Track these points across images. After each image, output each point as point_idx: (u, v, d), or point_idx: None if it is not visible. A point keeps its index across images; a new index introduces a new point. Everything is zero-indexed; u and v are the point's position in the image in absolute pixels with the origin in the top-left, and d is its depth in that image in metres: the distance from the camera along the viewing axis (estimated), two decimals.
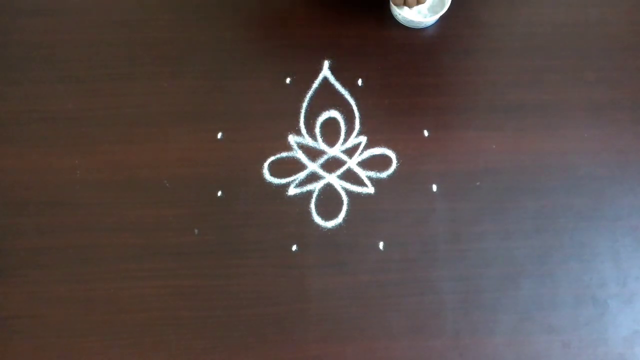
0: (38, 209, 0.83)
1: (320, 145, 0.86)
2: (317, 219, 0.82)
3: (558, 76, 0.90)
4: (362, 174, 0.85)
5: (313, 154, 0.86)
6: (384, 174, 0.85)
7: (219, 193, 0.83)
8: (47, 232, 0.82)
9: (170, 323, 0.78)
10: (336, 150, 0.86)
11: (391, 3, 0.88)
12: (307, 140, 0.86)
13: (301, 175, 0.85)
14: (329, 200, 0.83)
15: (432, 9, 0.92)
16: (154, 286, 0.79)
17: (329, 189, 0.84)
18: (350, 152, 0.86)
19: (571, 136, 0.86)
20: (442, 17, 0.89)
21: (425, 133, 0.87)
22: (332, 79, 0.89)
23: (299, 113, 0.88)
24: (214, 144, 0.86)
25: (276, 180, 0.84)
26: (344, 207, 0.83)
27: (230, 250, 0.81)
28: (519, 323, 0.78)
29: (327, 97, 0.88)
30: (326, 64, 0.90)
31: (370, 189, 0.84)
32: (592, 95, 0.89)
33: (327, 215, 0.83)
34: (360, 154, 0.86)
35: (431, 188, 0.84)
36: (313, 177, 0.85)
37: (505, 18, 0.93)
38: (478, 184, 0.84)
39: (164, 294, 0.79)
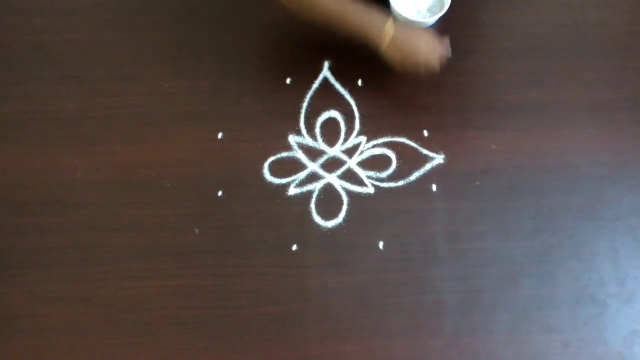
0: (38, 209, 0.83)
1: (320, 145, 0.86)
2: (317, 219, 0.82)
3: (558, 76, 0.90)
4: (362, 174, 0.85)
5: (313, 154, 0.86)
6: (384, 174, 0.85)
7: (219, 193, 0.84)
8: (47, 232, 0.82)
9: (171, 323, 0.78)
10: (336, 150, 0.86)
11: (391, 3, 0.88)
12: (307, 140, 0.87)
13: (301, 175, 0.85)
14: (329, 200, 0.83)
15: (432, 9, 0.92)
16: (155, 286, 0.79)
17: (329, 189, 0.84)
18: (350, 152, 0.86)
19: (570, 136, 0.87)
20: (441, 18, 0.89)
21: (425, 133, 0.87)
22: (332, 79, 0.89)
23: (299, 113, 0.88)
24: (214, 144, 0.86)
25: (276, 180, 0.84)
26: (344, 207, 0.83)
27: (230, 250, 0.81)
28: (519, 322, 0.78)
29: (327, 97, 0.88)
30: (326, 64, 0.90)
31: (370, 189, 0.84)
32: (591, 95, 0.89)
33: (327, 215, 0.83)
34: (360, 154, 0.86)
35: (431, 188, 0.84)
36: (313, 177, 0.85)
37: (505, 18, 0.93)
38: (478, 183, 0.84)
39: (165, 294, 0.79)
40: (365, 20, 0.79)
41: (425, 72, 0.81)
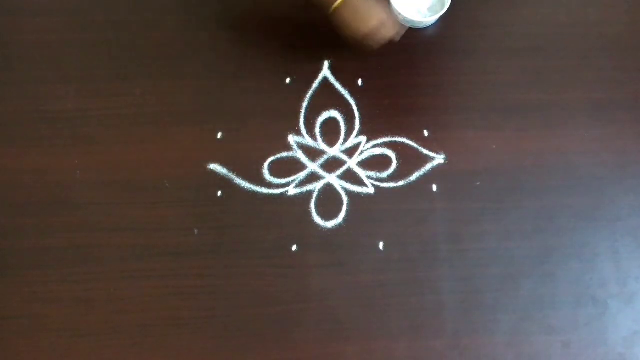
0: (38, 209, 0.83)
1: (320, 145, 0.86)
2: (317, 219, 0.82)
3: (558, 76, 0.90)
4: (362, 174, 0.85)
5: (313, 154, 0.86)
6: (384, 174, 0.85)
7: (219, 193, 0.83)
8: (47, 232, 0.82)
9: (170, 323, 0.78)
10: (336, 150, 0.86)
11: (391, 2, 0.88)
12: (307, 140, 0.86)
13: (301, 175, 0.85)
14: (329, 200, 0.83)
15: (432, 9, 0.92)
16: (154, 286, 0.79)
17: (329, 189, 0.84)
18: (350, 152, 0.86)
19: (571, 136, 0.86)
20: (442, 17, 0.89)
21: (425, 133, 0.87)
22: (332, 79, 0.89)
23: (299, 113, 0.88)
24: (214, 144, 0.86)
25: (276, 180, 0.84)
26: (344, 207, 0.83)
27: (230, 250, 0.81)
28: (519, 323, 0.78)
29: (327, 97, 0.88)
30: (326, 64, 0.90)
31: (370, 189, 0.84)
32: (591, 95, 0.89)
33: (327, 215, 0.83)
34: (360, 154, 0.86)
35: (431, 188, 0.84)
36: (313, 177, 0.85)
37: (505, 18, 0.93)
38: (478, 184, 0.84)
39: (164, 294, 0.79)
40: None
41: (377, 42, 0.79)
